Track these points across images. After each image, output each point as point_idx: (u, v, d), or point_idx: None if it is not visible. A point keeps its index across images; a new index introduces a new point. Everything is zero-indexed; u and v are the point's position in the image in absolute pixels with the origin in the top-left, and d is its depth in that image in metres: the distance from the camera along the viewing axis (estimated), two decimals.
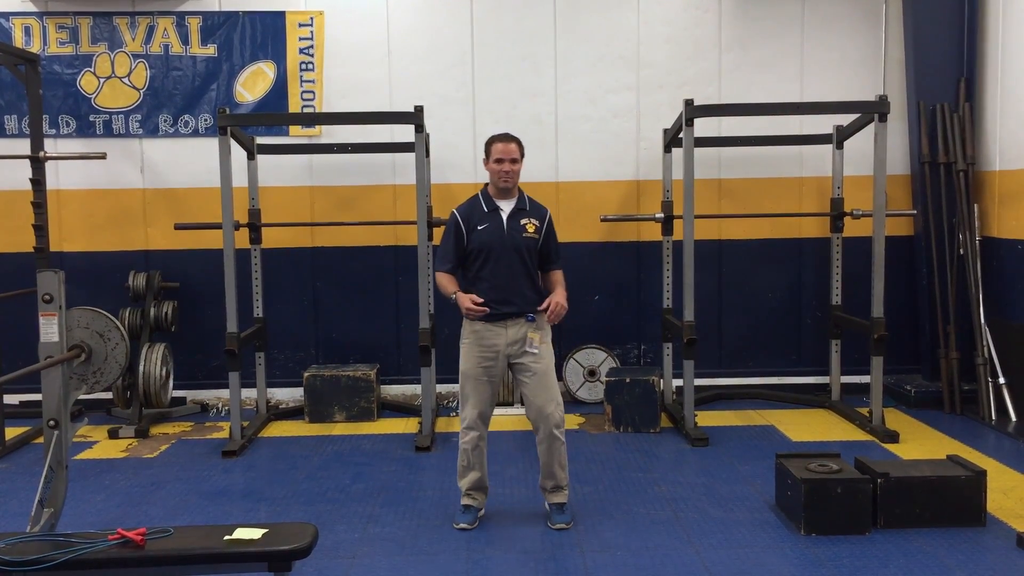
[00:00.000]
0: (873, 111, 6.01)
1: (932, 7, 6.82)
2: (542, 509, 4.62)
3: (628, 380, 6.27)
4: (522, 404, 6.86)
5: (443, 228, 4.72)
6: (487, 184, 4.56)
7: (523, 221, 4.47)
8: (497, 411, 6.75)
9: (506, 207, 4.48)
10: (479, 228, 4.44)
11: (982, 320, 6.56)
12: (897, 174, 7.08)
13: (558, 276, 4.60)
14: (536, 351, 4.41)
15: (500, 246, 4.42)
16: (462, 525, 4.46)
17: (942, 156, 6.81)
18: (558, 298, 4.42)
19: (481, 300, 4.35)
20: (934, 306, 6.84)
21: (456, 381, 7.17)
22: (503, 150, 4.43)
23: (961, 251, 6.71)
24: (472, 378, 4.45)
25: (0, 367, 5.86)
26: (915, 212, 6.97)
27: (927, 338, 7.01)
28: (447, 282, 4.47)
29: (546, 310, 4.39)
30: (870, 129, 6.15)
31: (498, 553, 4.18)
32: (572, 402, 7.11)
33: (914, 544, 4.18)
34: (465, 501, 4.55)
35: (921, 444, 5.85)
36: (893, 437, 5.89)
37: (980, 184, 6.79)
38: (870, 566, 3.95)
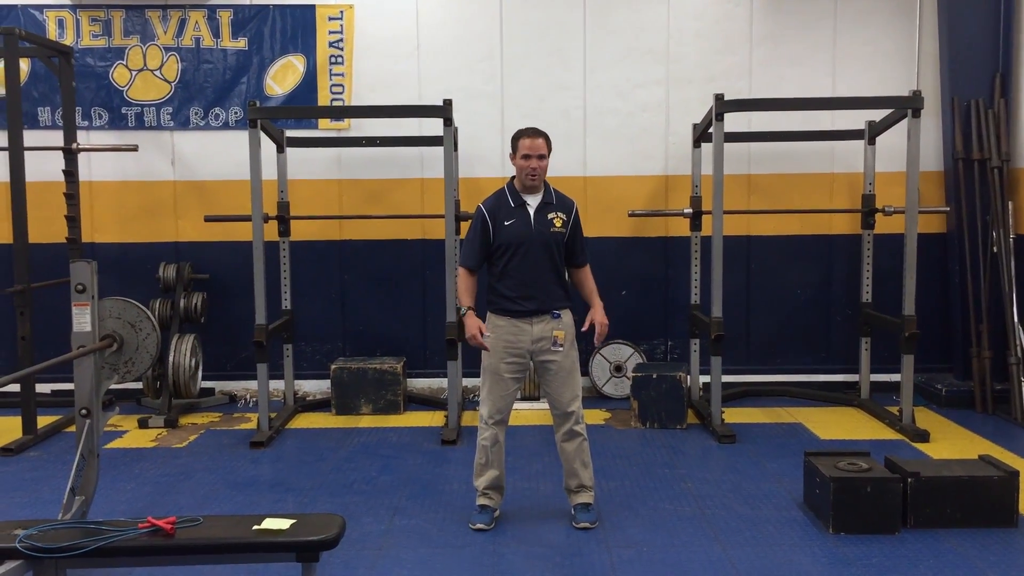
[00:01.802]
0: (906, 106, 5.94)
1: (967, 1, 6.72)
2: (567, 504, 4.61)
3: (655, 376, 6.24)
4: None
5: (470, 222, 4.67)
6: (513, 177, 4.47)
7: (550, 216, 4.40)
8: (522, 405, 6.83)
9: (533, 202, 4.41)
10: (506, 224, 4.37)
11: (1015, 319, 6.47)
12: (930, 170, 6.99)
13: (589, 280, 4.52)
14: (561, 348, 4.37)
15: (527, 242, 4.35)
16: (479, 525, 4.38)
17: (976, 152, 6.73)
18: (599, 317, 4.37)
19: (487, 334, 4.30)
20: (967, 304, 6.76)
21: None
22: (530, 146, 4.34)
23: (995, 249, 6.62)
24: (494, 373, 4.40)
25: (33, 356, 5.92)
26: (948, 209, 6.88)
27: (959, 337, 6.92)
28: (464, 289, 4.39)
29: (570, 306, 4.38)
30: (903, 125, 6.07)
31: (523, 547, 4.18)
32: (598, 397, 7.10)
33: (945, 545, 4.13)
34: (481, 501, 4.47)
35: (952, 444, 5.79)
36: (923, 436, 5.83)
37: (1015, 181, 6.69)
38: (900, 566, 3.91)
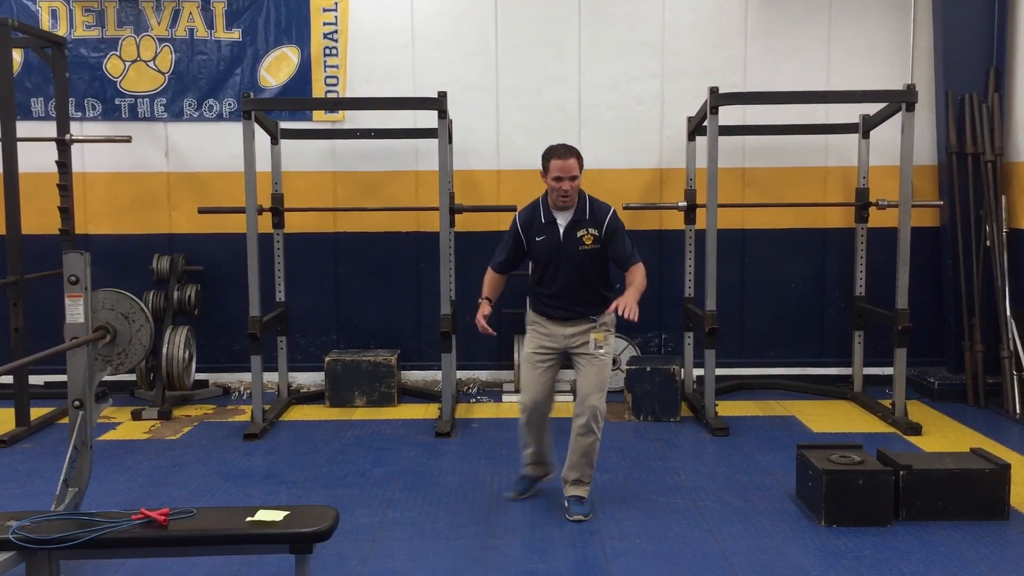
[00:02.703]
0: (900, 100, 5.95)
1: None
2: (560, 496, 4.61)
3: (649, 369, 6.25)
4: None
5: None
6: (548, 191, 4.41)
7: (580, 233, 4.35)
8: (515, 398, 6.80)
9: (563, 220, 4.37)
10: (537, 239, 4.41)
11: (1008, 313, 6.49)
12: (924, 164, 7.00)
13: (634, 276, 4.38)
14: (601, 351, 4.40)
15: (557, 259, 4.38)
16: (507, 494, 4.67)
17: (970, 147, 6.74)
18: (626, 300, 4.22)
19: (487, 316, 4.46)
20: (959, 298, 6.78)
21: (475, 368, 7.28)
22: (561, 167, 4.25)
23: (988, 243, 6.64)
24: (526, 361, 4.55)
25: (26, 347, 5.91)
26: (941, 203, 6.90)
27: (951, 330, 6.95)
28: (487, 283, 4.57)
29: (610, 310, 4.36)
30: (897, 119, 6.08)
31: (517, 539, 4.19)
32: None
33: (936, 537, 4.15)
34: (522, 472, 4.71)
35: (944, 437, 5.81)
36: (916, 429, 5.85)
37: (1008, 175, 6.71)
38: (891, 558, 3.93)
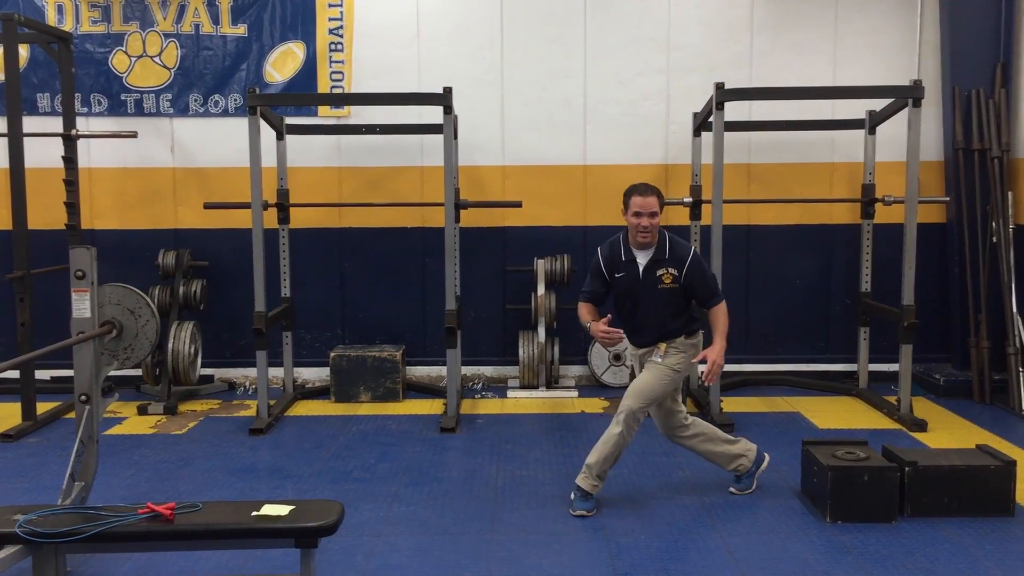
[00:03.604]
0: (907, 96, 5.93)
1: None
2: (566, 491, 4.62)
3: None
4: (547, 388, 6.94)
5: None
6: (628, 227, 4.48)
7: (659, 272, 4.40)
8: (521, 394, 6.86)
9: (642, 259, 4.43)
10: (617, 275, 4.48)
11: (1014, 309, 6.48)
12: (930, 160, 6.99)
13: (718, 319, 4.43)
14: (658, 359, 4.45)
15: (636, 296, 4.45)
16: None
17: (976, 143, 6.72)
18: (713, 355, 4.31)
19: (608, 324, 4.36)
20: (965, 294, 6.76)
21: (480, 364, 7.28)
22: (641, 204, 4.33)
23: (994, 239, 6.62)
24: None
25: (32, 342, 5.93)
26: (948, 199, 6.88)
27: (958, 327, 6.93)
28: (584, 312, 4.54)
29: (696, 360, 4.45)
30: (903, 114, 6.06)
31: (521, 535, 4.19)
32: (597, 386, 7.12)
33: (941, 533, 4.14)
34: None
35: (950, 433, 5.80)
36: (921, 426, 5.84)
37: (1015, 171, 6.69)
38: (896, 555, 3.93)
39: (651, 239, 4.40)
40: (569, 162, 7.10)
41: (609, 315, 4.43)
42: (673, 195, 7.06)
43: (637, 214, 4.35)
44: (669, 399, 4.54)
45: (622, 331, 4.42)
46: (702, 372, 4.44)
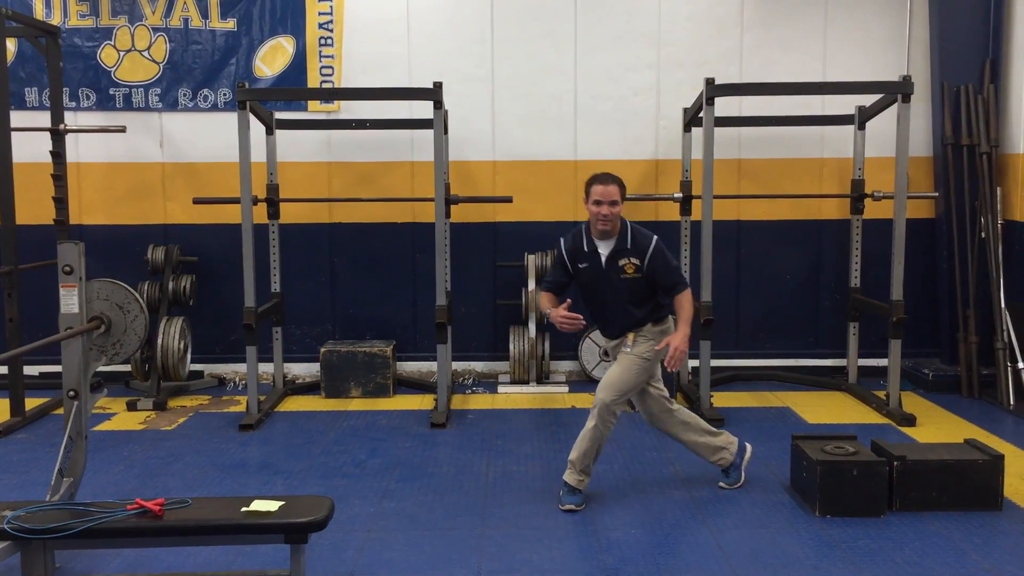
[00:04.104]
0: (896, 92, 5.95)
1: None
2: (556, 487, 4.62)
3: None
4: (538, 383, 6.95)
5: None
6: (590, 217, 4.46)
7: (621, 262, 4.40)
8: (512, 389, 6.86)
9: (604, 249, 4.41)
10: (580, 267, 4.47)
11: (1002, 304, 6.51)
12: (919, 156, 7.01)
13: (682, 307, 4.42)
14: (629, 349, 4.46)
15: (599, 287, 4.46)
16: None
17: (965, 138, 6.74)
18: (675, 342, 4.29)
19: (567, 310, 4.34)
20: (954, 289, 6.79)
21: (471, 359, 7.28)
22: (602, 192, 4.32)
23: (983, 234, 6.65)
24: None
25: (20, 338, 5.90)
26: (937, 194, 6.90)
27: (946, 322, 6.96)
28: (544, 300, 4.54)
29: (659, 348, 4.42)
30: (893, 110, 6.08)
31: (512, 530, 4.20)
32: (587, 381, 7.12)
33: (930, 527, 4.16)
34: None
35: (938, 428, 5.83)
36: (910, 420, 5.86)
37: (1003, 167, 6.72)
38: (885, 548, 3.95)
39: (612, 228, 4.37)
40: (560, 157, 7.10)
41: (569, 300, 4.42)
42: (664, 190, 7.07)
43: (597, 203, 4.33)
44: (648, 386, 4.56)
45: (581, 316, 4.36)
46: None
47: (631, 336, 4.48)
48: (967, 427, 5.85)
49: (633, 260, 4.40)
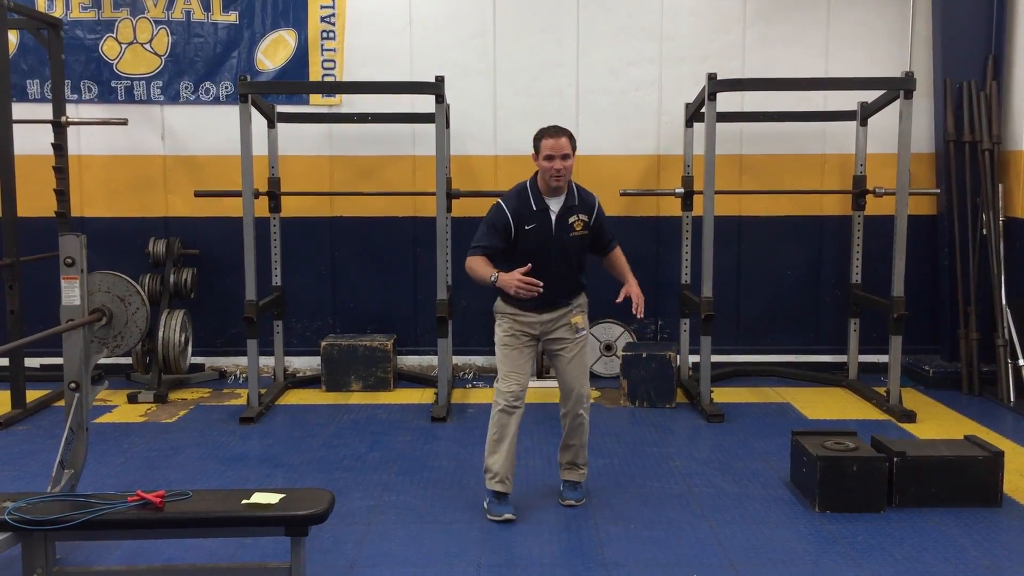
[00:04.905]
0: (899, 88, 5.94)
1: None
2: (556, 481, 4.63)
3: (644, 355, 6.26)
4: (538, 377, 6.93)
5: (489, 213, 4.28)
6: (536, 174, 4.25)
7: (571, 220, 4.22)
8: None
9: (555, 206, 4.21)
10: (527, 228, 4.18)
11: (1003, 301, 6.51)
12: (921, 152, 7.00)
13: (620, 259, 4.43)
14: (581, 334, 4.32)
15: (547, 248, 4.19)
16: (496, 517, 4.22)
17: (967, 135, 6.73)
18: (637, 290, 4.26)
19: (527, 274, 4.03)
20: (955, 286, 6.78)
21: (472, 354, 7.27)
22: (553, 146, 4.10)
23: (984, 231, 6.64)
24: (510, 346, 4.28)
25: (22, 330, 5.91)
26: (939, 191, 6.90)
27: (947, 318, 6.96)
28: (482, 264, 4.17)
29: (584, 290, 4.35)
30: (895, 106, 6.07)
31: (511, 523, 4.20)
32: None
33: (929, 523, 4.17)
34: (497, 487, 4.27)
35: (938, 424, 5.83)
36: (910, 417, 5.87)
37: (1005, 164, 6.71)
38: (884, 544, 3.95)
39: (563, 183, 4.17)
40: None
41: (529, 265, 4.07)
42: (665, 186, 7.07)
43: (549, 157, 4.10)
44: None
45: (540, 285, 4.04)
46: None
47: (580, 318, 4.32)
48: (967, 424, 5.85)
49: (582, 216, 4.24)
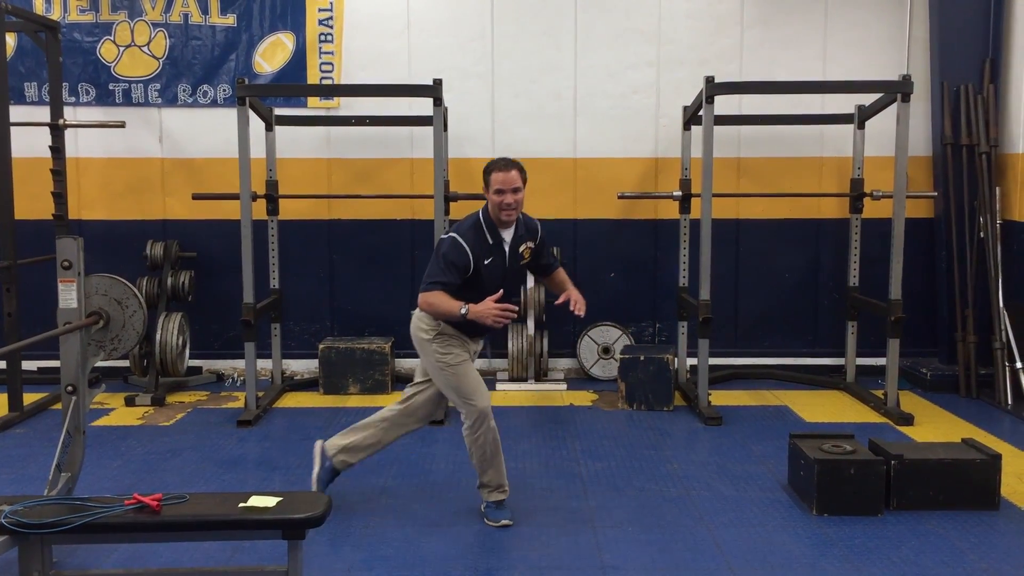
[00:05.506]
0: (896, 91, 5.95)
1: None
2: (554, 484, 4.63)
3: (642, 358, 6.26)
4: (536, 380, 6.93)
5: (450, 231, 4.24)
6: (487, 206, 4.16)
7: (521, 248, 4.22)
8: (511, 386, 6.86)
9: (508, 237, 4.18)
10: (485, 263, 4.10)
11: (1001, 304, 6.51)
12: (919, 155, 7.01)
13: (563, 276, 4.45)
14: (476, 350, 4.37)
15: (500, 280, 4.14)
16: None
17: (965, 138, 6.74)
18: (576, 293, 4.25)
19: (499, 301, 3.97)
20: (952, 289, 6.79)
21: None
22: (504, 180, 4.02)
23: (981, 234, 6.65)
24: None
25: (19, 333, 5.90)
26: (936, 194, 6.90)
27: (944, 321, 6.96)
28: (445, 299, 4.01)
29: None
30: (892, 109, 6.08)
31: (510, 527, 4.19)
32: (586, 379, 7.13)
33: (927, 526, 4.17)
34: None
35: (936, 427, 5.83)
36: (908, 420, 5.87)
37: (1002, 167, 6.72)
38: (882, 547, 3.95)
39: (515, 218, 4.13)
40: (559, 155, 7.10)
41: (501, 291, 4.01)
42: (663, 188, 7.07)
43: (499, 191, 4.03)
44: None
45: (515, 306, 4.01)
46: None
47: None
48: (965, 427, 5.85)
49: (528, 244, 4.23)
